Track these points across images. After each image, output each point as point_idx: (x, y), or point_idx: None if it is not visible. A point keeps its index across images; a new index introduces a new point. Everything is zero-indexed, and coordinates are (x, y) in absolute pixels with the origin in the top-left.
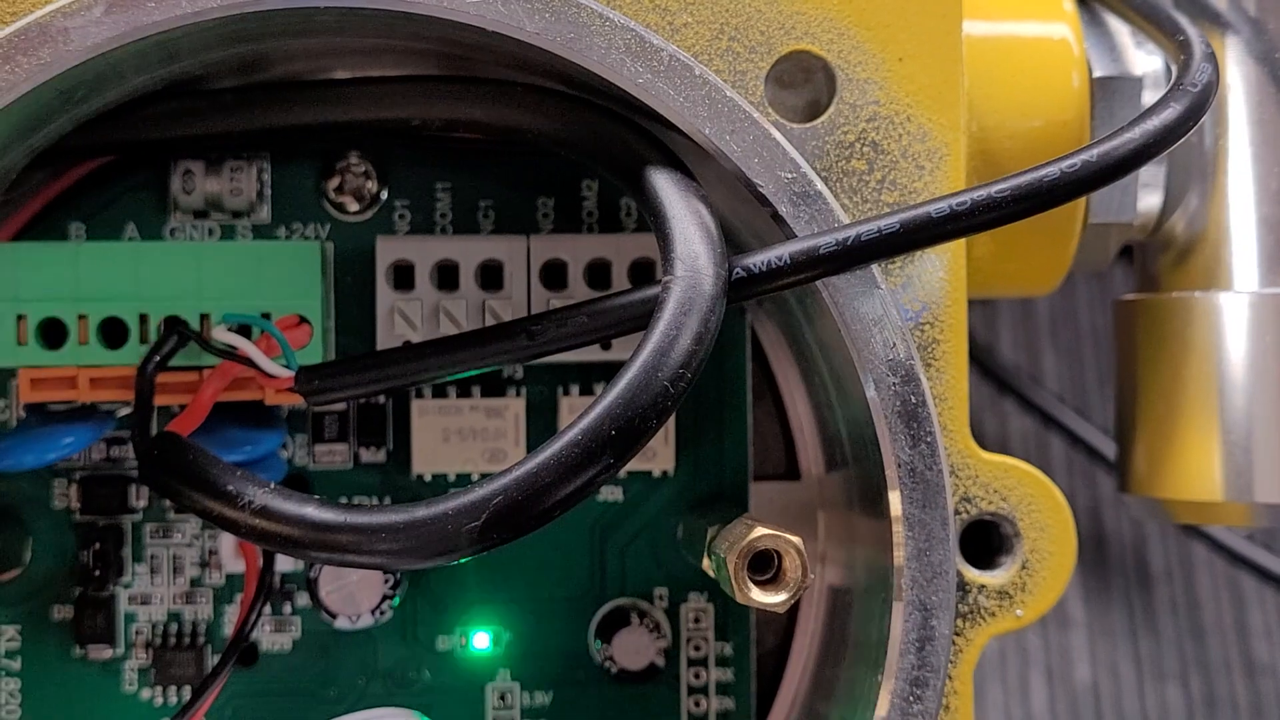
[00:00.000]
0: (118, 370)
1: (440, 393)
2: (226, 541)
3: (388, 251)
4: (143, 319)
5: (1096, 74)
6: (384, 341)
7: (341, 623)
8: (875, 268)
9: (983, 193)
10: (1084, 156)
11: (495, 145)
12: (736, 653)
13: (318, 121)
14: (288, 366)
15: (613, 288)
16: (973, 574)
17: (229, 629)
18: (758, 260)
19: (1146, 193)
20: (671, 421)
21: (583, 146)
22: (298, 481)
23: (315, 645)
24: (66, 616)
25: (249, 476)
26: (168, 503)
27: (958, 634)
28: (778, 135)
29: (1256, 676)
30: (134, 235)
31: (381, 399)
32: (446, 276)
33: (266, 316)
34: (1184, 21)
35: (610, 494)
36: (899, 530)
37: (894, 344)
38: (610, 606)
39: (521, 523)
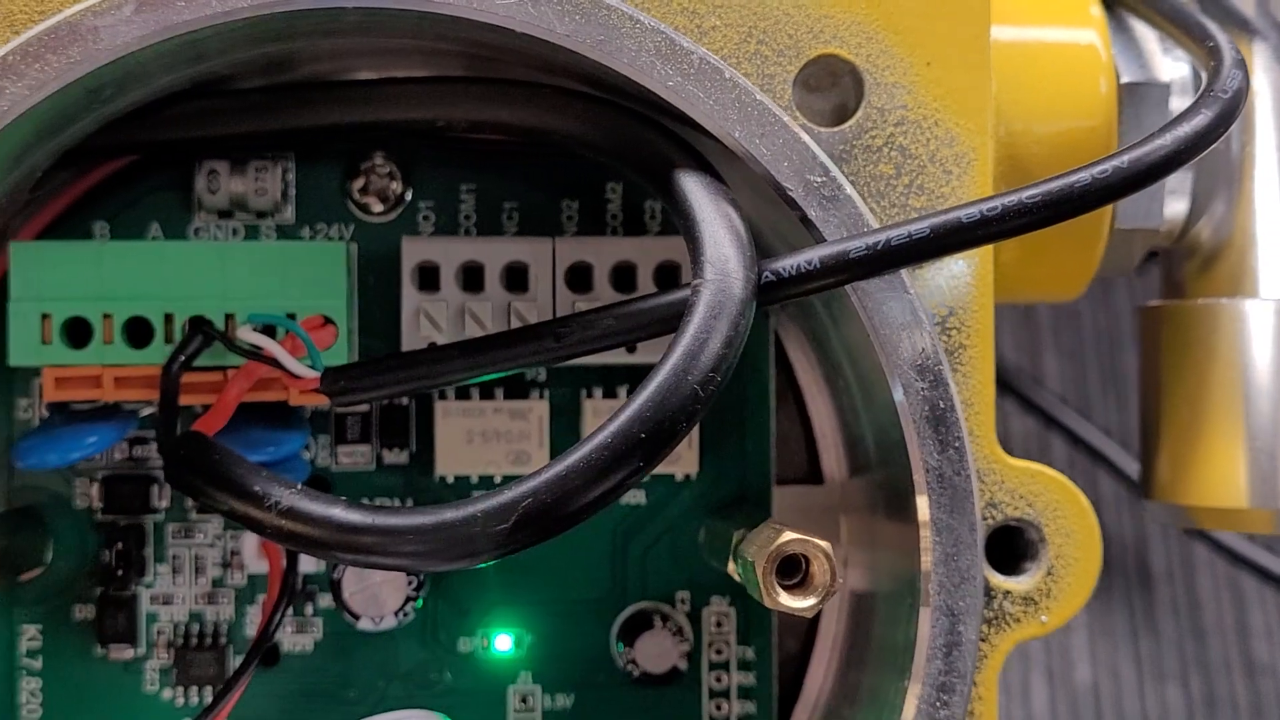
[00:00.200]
0: (142, 370)
1: (464, 394)
2: (249, 542)
3: (413, 252)
4: (167, 318)
5: (1124, 80)
6: (409, 343)
7: (365, 624)
8: (903, 272)
9: (1014, 198)
10: (1115, 162)
11: (520, 147)
12: (758, 657)
13: (344, 122)
14: (313, 367)
15: (638, 291)
16: (998, 579)
17: (251, 629)
18: (787, 264)
19: (1173, 199)
20: None
21: (610, 149)
22: (320, 482)
23: (336, 646)
24: (88, 616)
25: (275, 477)
26: (190, 503)
27: (982, 639)
28: (807, 139)
29: (1257, 677)
30: (158, 235)
31: (405, 400)
32: (471, 278)
33: (292, 317)
34: (1213, 27)
35: (633, 497)
36: (926, 535)
37: (922, 348)
38: (632, 609)
39: (551, 525)
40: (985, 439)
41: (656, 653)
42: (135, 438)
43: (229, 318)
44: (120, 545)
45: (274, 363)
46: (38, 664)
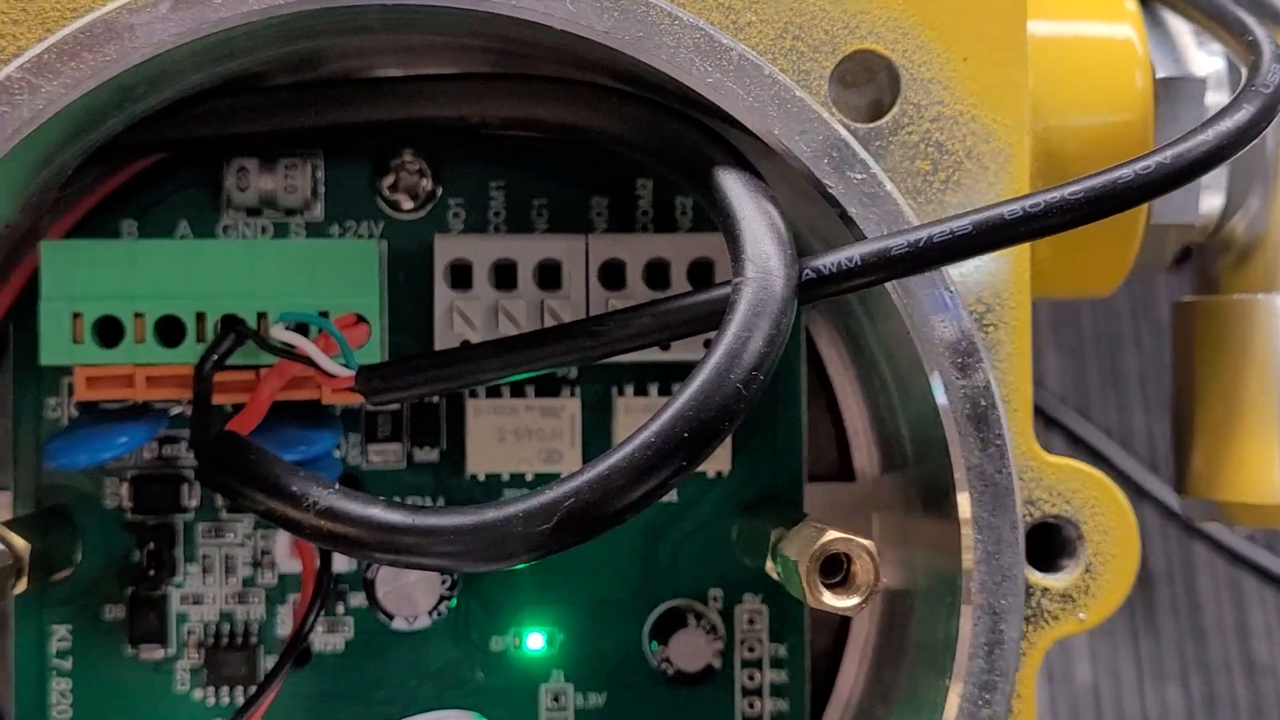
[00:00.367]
0: (174, 369)
1: (495, 392)
2: (281, 541)
3: (445, 250)
4: (200, 317)
5: (1159, 75)
6: (441, 341)
7: (399, 623)
8: (944, 269)
9: (1056, 195)
10: (1158, 158)
11: (550, 143)
12: (791, 654)
13: (377, 119)
14: (347, 366)
15: (671, 288)
16: (1036, 577)
17: (281, 629)
18: (828, 261)
19: (1208, 194)
20: None
21: (646, 146)
22: (350, 481)
23: (367, 646)
24: (118, 616)
25: (312, 477)
26: (220, 502)
27: (1022, 637)
28: (847, 136)
29: (1257, 677)
30: (186, 233)
31: (435, 399)
32: (504, 275)
33: (324, 315)
34: (1250, 21)
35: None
36: (968, 533)
37: (964, 346)
38: (664, 607)
39: (593, 525)
40: (1023, 436)
41: (690, 651)
42: (164, 437)
43: (261, 316)
44: (151, 545)
45: (308, 361)
46: (68, 664)
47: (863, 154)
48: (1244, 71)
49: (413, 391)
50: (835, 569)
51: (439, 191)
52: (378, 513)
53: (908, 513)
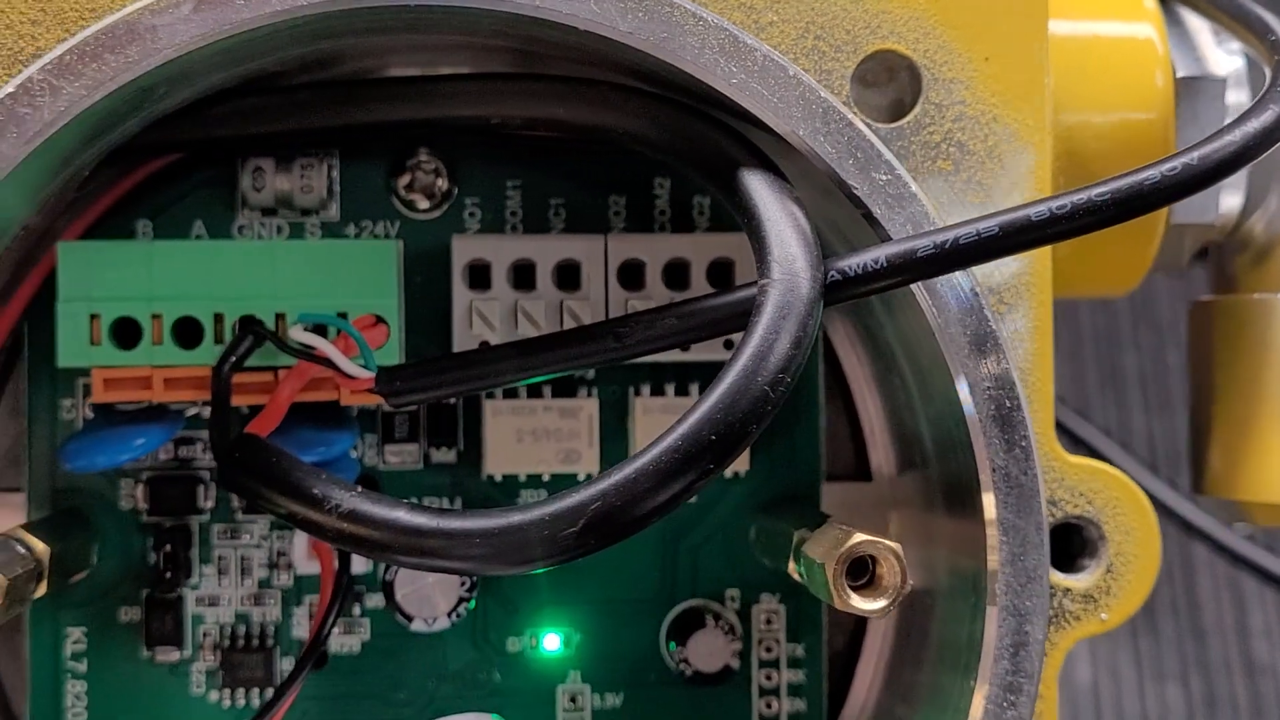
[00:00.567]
0: (192, 370)
1: (512, 393)
2: (298, 543)
3: (464, 251)
4: (217, 318)
5: (1179, 74)
6: (460, 341)
7: (418, 625)
8: (969, 270)
9: (1082, 196)
10: (1185, 159)
11: (567, 142)
12: (808, 654)
13: (396, 119)
14: (366, 367)
15: (691, 288)
16: (1058, 577)
17: (298, 630)
18: (853, 263)
19: (1227, 193)
20: None
21: (669, 146)
22: (367, 482)
23: (384, 647)
24: (134, 618)
25: (334, 479)
26: (236, 503)
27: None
28: (872, 137)
29: (1257, 677)
30: (201, 233)
31: (453, 400)
32: (522, 276)
33: (343, 316)
34: (1273, 21)
35: None
36: (993, 534)
37: (989, 347)
38: (682, 608)
39: (620, 529)
40: (1045, 437)
41: (709, 651)
42: (180, 438)
43: (279, 317)
44: (167, 547)
45: (327, 363)
46: (83, 667)
47: (887, 155)
48: (1267, 71)
49: (434, 393)
50: (860, 571)
51: (455, 191)
52: (402, 515)
53: (928, 512)
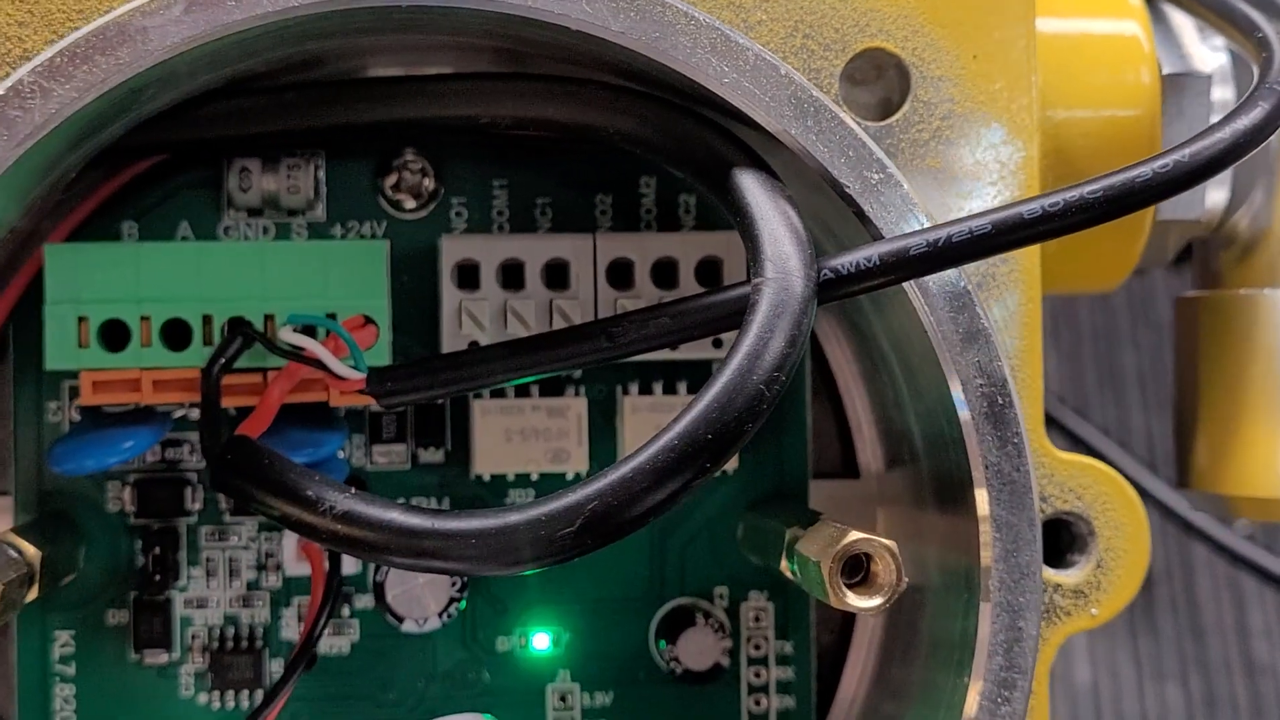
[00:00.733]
0: (181, 373)
1: (500, 393)
2: (287, 545)
3: (452, 251)
4: (206, 320)
5: (1165, 71)
6: (449, 342)
7: (409, 625)
8: (960, 268)
9: (1075, 193)
10: (1176, 156)
11: (553, 141)
12: (797, 651)
13: (385, 119)
14: (356, 368)
15: (679, 286)
16: (1048, 573)
17: (286, 632)
18: (846, 261)
19: (1212, 189)
20: None
21: (660, 146)
22: (355, 483)
23: (374, 648)
24: (122, 621)
25: (328, 480)
26: (224, 505)
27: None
28: (864, 136)
29: (1256, 676)
30: (187, 234)
31: (443, 400)
32: (511, 276)
33: (332, 317)
34: (1258, 18)
35: None
36: (986, 530)
37: (981, 344)
38: (670, 606)
39: (616, 528)
40: (1035, 433)
41: (699, 650)
42: (167, 440)
43: (268, 318)
44: (155, 549)
45: (317, 364)
46: (71, 670)
47: (879, 153)
48: (1254, 69)
49: (426, 394)
50: (855, 569)
51: (441, 191)
52: (397, 517)
53: (917, 508)
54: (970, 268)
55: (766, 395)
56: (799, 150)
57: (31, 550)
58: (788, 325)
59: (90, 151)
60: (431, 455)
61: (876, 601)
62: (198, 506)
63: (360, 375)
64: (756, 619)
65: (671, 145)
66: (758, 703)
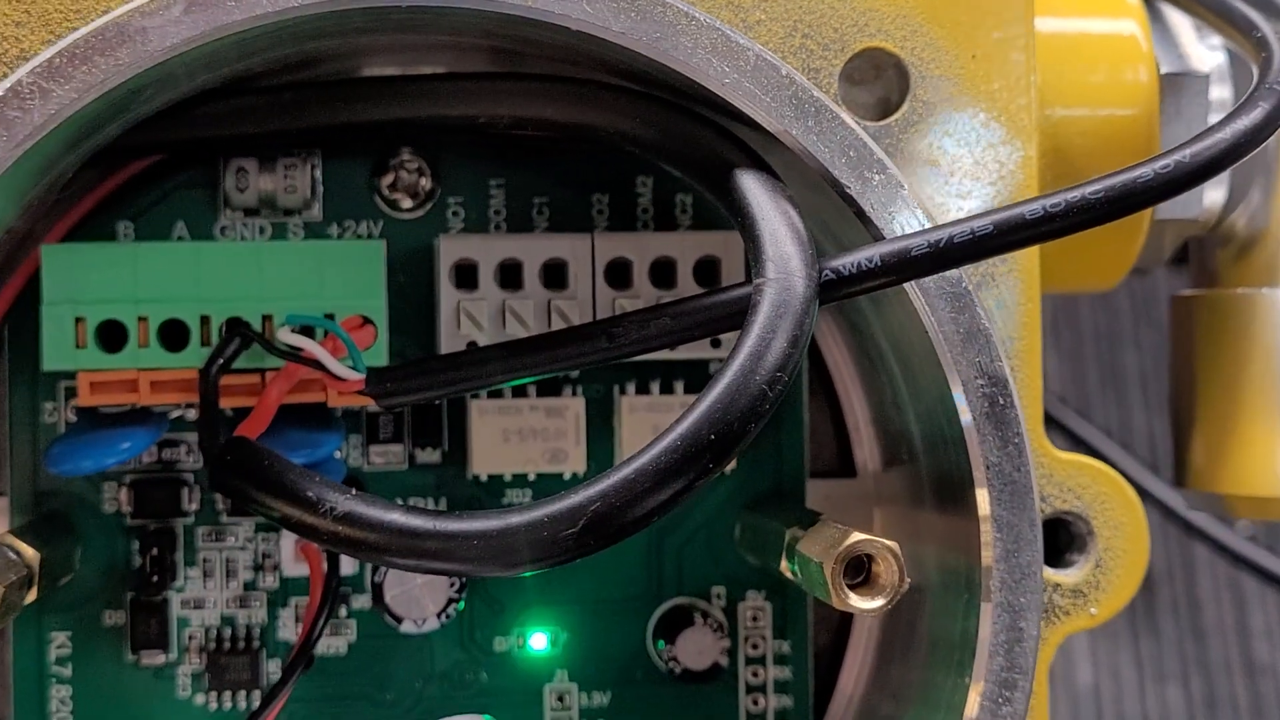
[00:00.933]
0: (179, 373)
1: (497, 392)
2: (284, 545)
3: (450, 250)
4: (204, 320)
5: (1163, 70)
6: (447, 342)
7: (407, 626)
8: (961, 268)
9: (1076, 194)
10: (1177, 156)
11: (550, 140)
12: (794, 651)
13: (383, 119)
14: (354, 368)
15: (677, 286)
16: (1047, 572)
17: (284, 632)
18: (847, 262)
19: (1210, 189)
20: None
21: (660, 146)
22: (352, 483)
23: (371, 648)
24: (118, 622)
25: (327, 481)
26: (221, 505)
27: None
28: (865, 136)
29: (1257, 677)
30: (183, 234)
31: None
32: (509, 276)
33: (330, 317)
34: (1257, 17)
35: None
36: (987, 530)
37: (982, 344)
38: (668, 606)
39: (619, 529)
40: (1034, 432)
41: (697, 650)
42: (164, 440)
43: (266, 319)
44: (153, 550)
45: (315, 364)
46: (67, 671)
47: (880, 153)
48: (1253, 68)
49: (425, 394)
50: (857, 570)
51: (438, 190)
52: (398, 518)
53: (915, 508)
54: (970, 267)
55: (769, 396)
56: (799, 150)
57: (30, 552)
58: (790, 326)
59: (87, 152)
60: (429, 455)
61: (878, 603)
62: (195, 507)
63: (359, 376)
64: (754, 619)
65: (672, 145)
66: (755, 702)
